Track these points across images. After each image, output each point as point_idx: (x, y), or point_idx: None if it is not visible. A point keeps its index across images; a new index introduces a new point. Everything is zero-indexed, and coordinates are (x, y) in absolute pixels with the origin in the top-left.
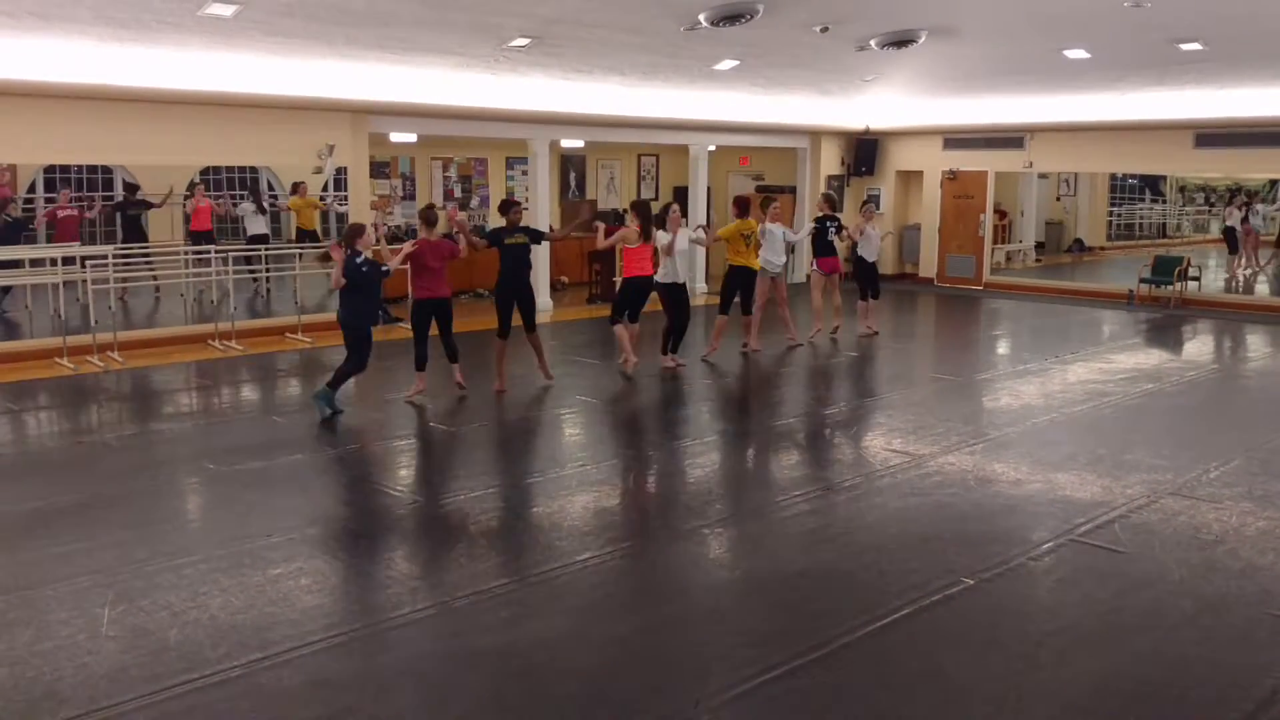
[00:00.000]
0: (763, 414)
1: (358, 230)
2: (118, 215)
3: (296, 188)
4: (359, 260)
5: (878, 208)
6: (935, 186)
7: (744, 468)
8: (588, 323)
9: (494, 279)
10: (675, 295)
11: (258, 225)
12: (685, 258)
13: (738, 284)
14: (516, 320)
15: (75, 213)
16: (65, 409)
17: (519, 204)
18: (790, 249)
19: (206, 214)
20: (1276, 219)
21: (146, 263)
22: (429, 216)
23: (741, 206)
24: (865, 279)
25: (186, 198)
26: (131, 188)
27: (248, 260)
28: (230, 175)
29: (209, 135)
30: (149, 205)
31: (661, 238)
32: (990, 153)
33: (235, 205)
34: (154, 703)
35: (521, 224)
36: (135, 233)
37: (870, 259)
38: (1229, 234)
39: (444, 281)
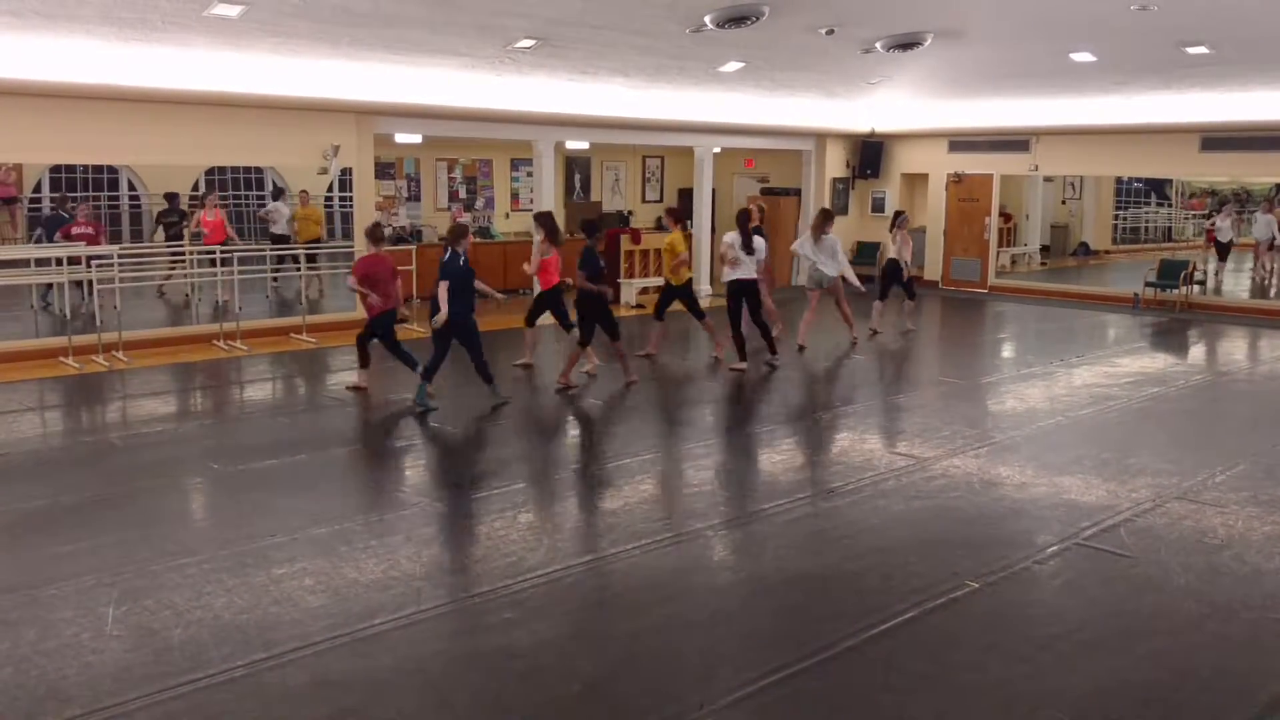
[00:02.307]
0: (767, 416)
1: (461, 231)
2: (159, 224)
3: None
4: (461, 259)
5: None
6: (940, 189)
7: (748, 469)
8: None
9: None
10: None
11: (281, 226)
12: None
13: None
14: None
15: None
16: (70, 408)
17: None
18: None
19: (219, 227)
20: (1250, 223)
21: (171, 262)
22: (375, 233)
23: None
24: (893, 282)
25: (193, 209)
26: (172, 196)
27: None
28: (235, 176)
29: (214, 135)
30: (186, 215)
31: (727, 239)
32: (996, 155)
33: (266, 210)
34: (158, 702)
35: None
36: (172, 236)
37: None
38: (1219, 244)
39: (396, 294)
